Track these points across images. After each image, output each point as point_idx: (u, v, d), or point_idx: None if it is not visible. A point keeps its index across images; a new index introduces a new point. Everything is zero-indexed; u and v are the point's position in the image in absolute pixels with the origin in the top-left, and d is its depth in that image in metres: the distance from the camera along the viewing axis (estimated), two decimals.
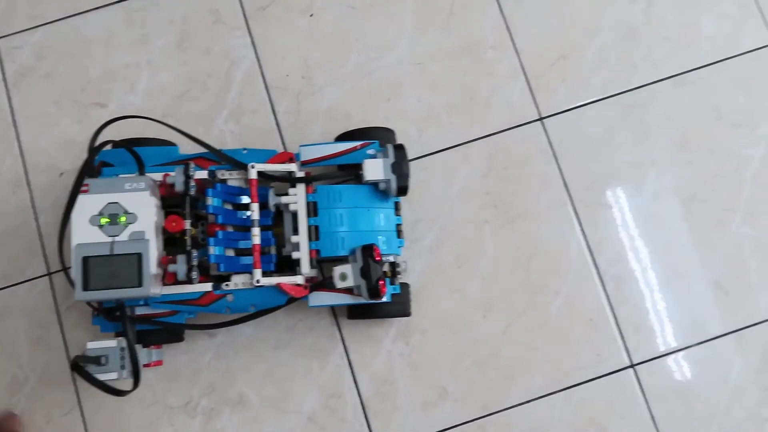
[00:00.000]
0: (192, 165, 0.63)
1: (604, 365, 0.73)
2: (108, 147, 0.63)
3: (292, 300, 0.65)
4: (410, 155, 0.69)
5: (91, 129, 0.77)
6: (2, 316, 0.75)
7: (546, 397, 0.72)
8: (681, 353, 0.73)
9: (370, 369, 0.73)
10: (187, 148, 0.70)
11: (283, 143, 0.77)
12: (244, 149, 0.68)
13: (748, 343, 0.73)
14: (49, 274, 0.75)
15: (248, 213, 0.65)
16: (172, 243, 0.64)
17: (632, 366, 0.73)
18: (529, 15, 0.79)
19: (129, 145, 0.65)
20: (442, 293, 0.74)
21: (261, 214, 0.65)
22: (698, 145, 0.76)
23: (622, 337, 0.73)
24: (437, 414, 0.72)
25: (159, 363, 0.71)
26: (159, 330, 0.66)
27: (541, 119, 0.77)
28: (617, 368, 0.73)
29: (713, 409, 0.72)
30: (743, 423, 0.71)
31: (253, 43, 0.79)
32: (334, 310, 0.74)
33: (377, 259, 0.63)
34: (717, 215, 0.75)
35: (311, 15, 0.80)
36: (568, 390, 0.72)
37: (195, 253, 0.61)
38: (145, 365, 0.70)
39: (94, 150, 0.60)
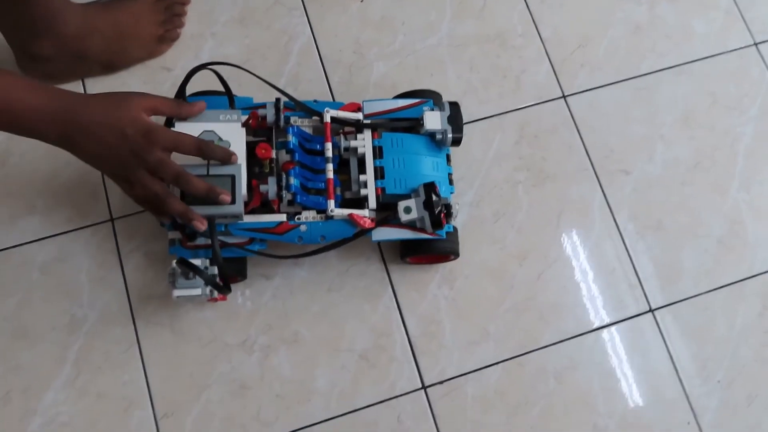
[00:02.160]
0: (282, 100, 0.70)
1: (627, 310, 0.81)
2: (212, 67, 0.69)
3: (359, 233, 0.71)
4: None
5: (158, 91, 0.84)
6: (65, 258, 0.78)
7: (577, 338, 0.79)
8: (693, 300, 0.82)
9: (418, 311, 0.79)
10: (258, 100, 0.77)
11: None
12: (315, 100, 0.76)
13: (749, 291, 0.82)
14: (112, 219, 0.79)
15: (318, 158, 0.72)
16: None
17: (651, 311, 0.81)
18: (552, 10, 0.91)
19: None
20: (482, 243, 0.81)
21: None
22: (699, 123, 0.88)
23: (641, 285, 0.82)
24: (480, 352, 0.78)
25: (223, 298, 0.76)
26: (228, 263, 0.71)
27: (564, 97, 0.88)
28: (638, 312, 0.81)
29: (723, 349, 0.80)
30: (750, 362, 0.80)
31: (309, 22, 0.88)
32: (383, 256, 0.80)
33: (437, 194, 0.71)
34: (717, 182, 0.86)
35: (362, 1, 0.89)
36: (596, 331, 0.80)
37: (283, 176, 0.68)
38: (210, 299, 0.75)
39: (187, 76, 0.67)
